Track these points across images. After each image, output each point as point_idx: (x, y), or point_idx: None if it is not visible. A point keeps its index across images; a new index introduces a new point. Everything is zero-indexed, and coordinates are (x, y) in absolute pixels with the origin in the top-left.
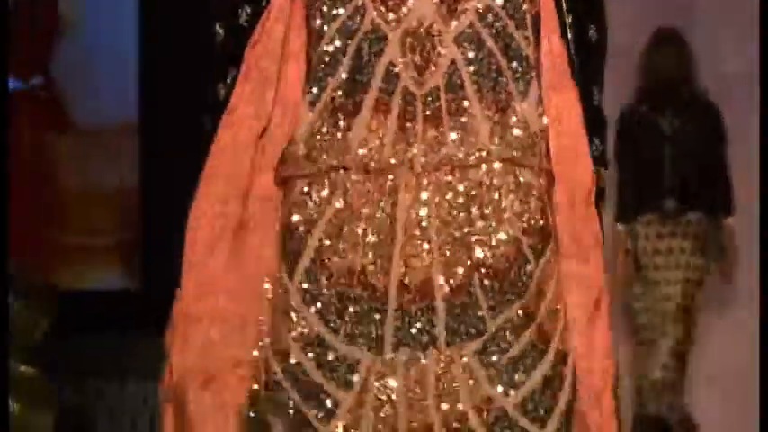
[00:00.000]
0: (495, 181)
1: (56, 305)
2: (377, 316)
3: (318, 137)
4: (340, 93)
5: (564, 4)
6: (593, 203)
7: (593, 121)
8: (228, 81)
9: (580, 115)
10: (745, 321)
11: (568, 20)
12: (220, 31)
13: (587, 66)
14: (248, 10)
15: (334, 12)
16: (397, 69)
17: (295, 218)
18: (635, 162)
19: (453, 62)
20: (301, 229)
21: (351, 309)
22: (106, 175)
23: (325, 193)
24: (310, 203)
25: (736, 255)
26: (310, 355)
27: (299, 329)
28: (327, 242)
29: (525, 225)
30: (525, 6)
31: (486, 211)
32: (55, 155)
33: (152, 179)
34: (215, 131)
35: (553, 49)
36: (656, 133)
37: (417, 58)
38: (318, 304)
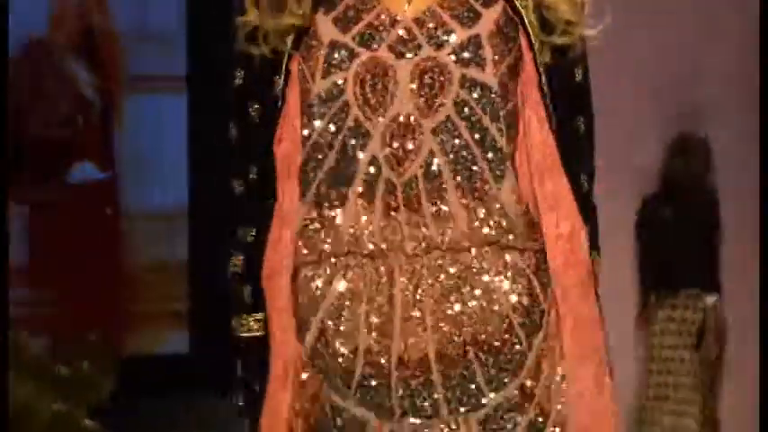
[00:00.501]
0: (484, 264)
1: (119, 367)
2: (382, 389)
3: (311, 227)
4: (327, 185)
5: (549, 98)
6: (593, 287)
7: (583, 209)
8: (251, 176)
9: (573, 199)
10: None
11: (555, 112)
12: (233, 129)
13: (576, 155)
14: (256, 106)
15: (322, 110)
16: (378, 161)
17: (301, 301)
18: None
19: (431, 152)
20: (307, 311)
21: (357, 382)
22: (162, 252)
23: (326, 278)
24: (313, 287)
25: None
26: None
27: (311, 392)
28: (330, 323)
29: (514, 304)
30: (498, 101)
31: (477, 292)
32: (116, 234)
33: (201, 255)
34: (237, 224)
35: (545, 141)
36: (666, 227)
37: (397, 151)
38: (327, 379)
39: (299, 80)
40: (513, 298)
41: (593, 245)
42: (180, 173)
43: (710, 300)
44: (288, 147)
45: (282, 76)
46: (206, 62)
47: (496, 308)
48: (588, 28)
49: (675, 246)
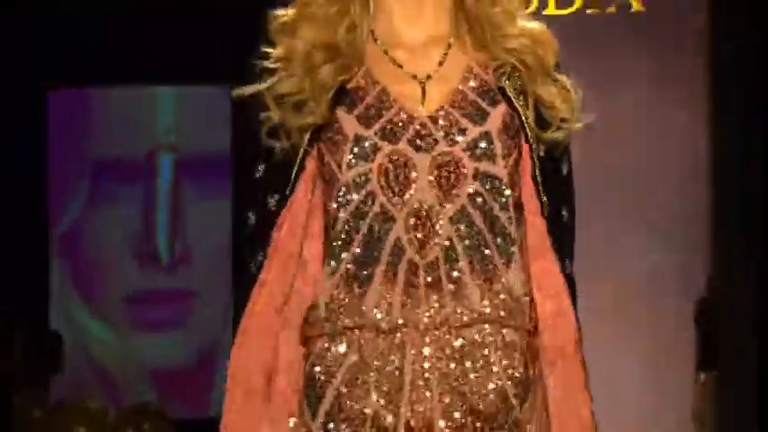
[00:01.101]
0: (485, 339)
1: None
2: None
3: (337, 302)
4: (354, 265)
5: (542, 192)
6: (580, 356)
7: (569, 289)
8: (259, 259)
9: (561, 279)
10: None
11: (546, 203)
12: (252, 216)
13: (561, 241)
14: (276, 197)
15: (349, 197)
16: (402, 244)
17: (317, 369)
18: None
19: (449, 238)
20: (322, 378)
21: None
22: None
23: (342, 348)
24: (330, 357)
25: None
26: None
27: None
28: (344, 389)
29: (510, 377)
30: (508, 192)
31: (478, 365)
32: None
33: None
34: (245, 302)
35: (537, 226)
36: None
37: (420, 235)
38: None
39: (321, 173)
40: (510, 372)
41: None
42: None
43: None
44: (286, 235)
45: (295, 170)
46: None
47: (494, 381)
48: (579, 123)
49: None
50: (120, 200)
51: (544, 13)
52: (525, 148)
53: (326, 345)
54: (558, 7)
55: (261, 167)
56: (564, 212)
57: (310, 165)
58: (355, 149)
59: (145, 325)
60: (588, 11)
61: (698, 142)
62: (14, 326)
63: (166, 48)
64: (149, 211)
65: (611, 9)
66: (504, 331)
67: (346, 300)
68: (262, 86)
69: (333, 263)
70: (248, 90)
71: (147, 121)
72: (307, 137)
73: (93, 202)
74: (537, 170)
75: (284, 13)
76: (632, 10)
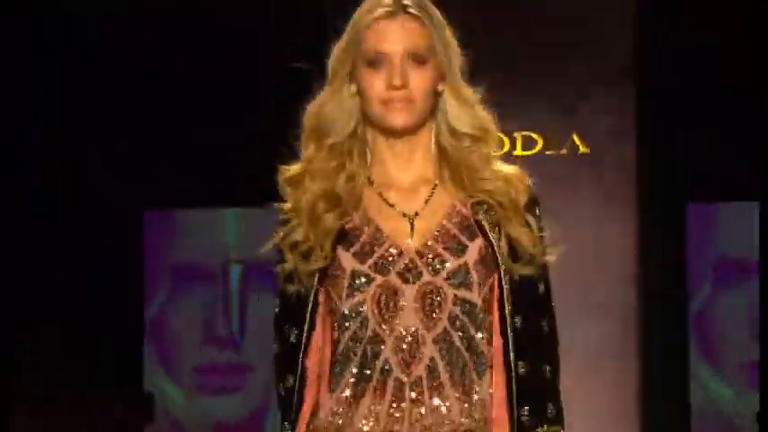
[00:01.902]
0: None
1: None
2: None
3: (335, 415)
4: (352, 383)
5: (507, 310)
6: None
7: (545, 392)
8: (289, 383)
9: (504, 389)
10: None
11: (517, 320)
12: (276, 346)
13: (540, 350)
14: (296, 332)
15: (347, 324)
16: (390, 365)
17: None
18: None
19: (432, 358)
20: None
21: None
22: None
23: None
24: None
25: None
26: None
27: None
28: None
29: None
30: (482, 315)
31: None
32: None
33: None
34: (283, 419)
35: (497, 343)
36: None
37: (406, 356)
38: None
39: (326, 303)
40: None
41: (559, 420)
42: None
43: None
44: (314, 361)
45: (310, 308)
46: None
47: None
48: (548, 255)
49: None
50: (196, 296)
51: (514, 153)
52: (496, 276)
53: None
54: (523, 149)
55: (278, 306)
56: (543, 324)
57: (321, 300)
58: (353, 283)
59: (210, 389)
60: (547, 152)
61: (629, 252)
62: (116, 389)
63: (234, 175)
64: (220, 305)
65: (564, 151)
66: None
67: (342, 412)
68: (278, 239)
69: (334, 382)
70: (272, 242)
71: (218, 236)
72: (316, 278)
73: (174, 297)
74: (504, 296)
75: (290, 169)
76: (580, 152)
